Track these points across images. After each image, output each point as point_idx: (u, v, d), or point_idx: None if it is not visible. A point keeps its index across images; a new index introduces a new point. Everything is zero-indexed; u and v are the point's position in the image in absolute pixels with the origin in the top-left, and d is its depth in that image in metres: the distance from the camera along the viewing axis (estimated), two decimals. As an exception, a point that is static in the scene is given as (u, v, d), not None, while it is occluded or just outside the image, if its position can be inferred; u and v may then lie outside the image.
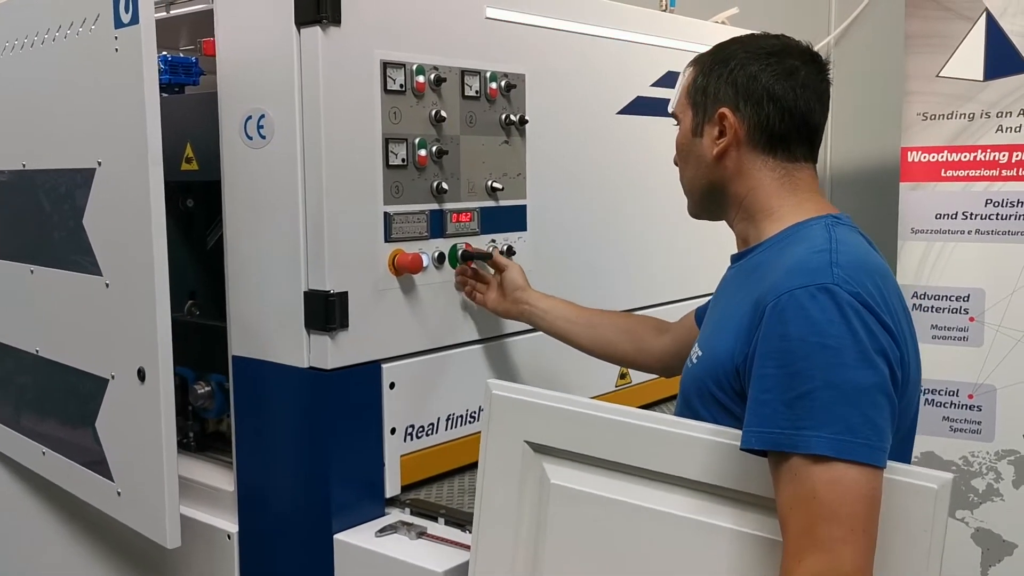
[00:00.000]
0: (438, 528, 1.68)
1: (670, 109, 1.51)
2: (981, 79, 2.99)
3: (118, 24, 1.68)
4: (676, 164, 1.50)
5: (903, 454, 1.29)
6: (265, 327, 1.75)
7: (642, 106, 2.26)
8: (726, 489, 1.23)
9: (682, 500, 1.26)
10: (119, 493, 1.87)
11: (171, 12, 1.97)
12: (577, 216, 2.12)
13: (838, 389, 1.10)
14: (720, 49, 1.41)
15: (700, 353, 1.37)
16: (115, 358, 1.82)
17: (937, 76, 3.05)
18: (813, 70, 1.35)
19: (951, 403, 3.11)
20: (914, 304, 3.14)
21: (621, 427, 1.30)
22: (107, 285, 1.82)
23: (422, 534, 1.65)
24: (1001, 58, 2.95)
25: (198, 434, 2.10)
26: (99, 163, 1.80)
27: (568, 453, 1.35)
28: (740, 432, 1.20)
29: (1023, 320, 2.97)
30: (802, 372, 1.12)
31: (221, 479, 1.96)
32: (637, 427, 1.29)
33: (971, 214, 3.03)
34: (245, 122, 1.72)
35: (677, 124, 1.48)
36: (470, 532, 1.63)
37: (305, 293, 1.67)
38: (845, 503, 1.08)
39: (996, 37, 2.96)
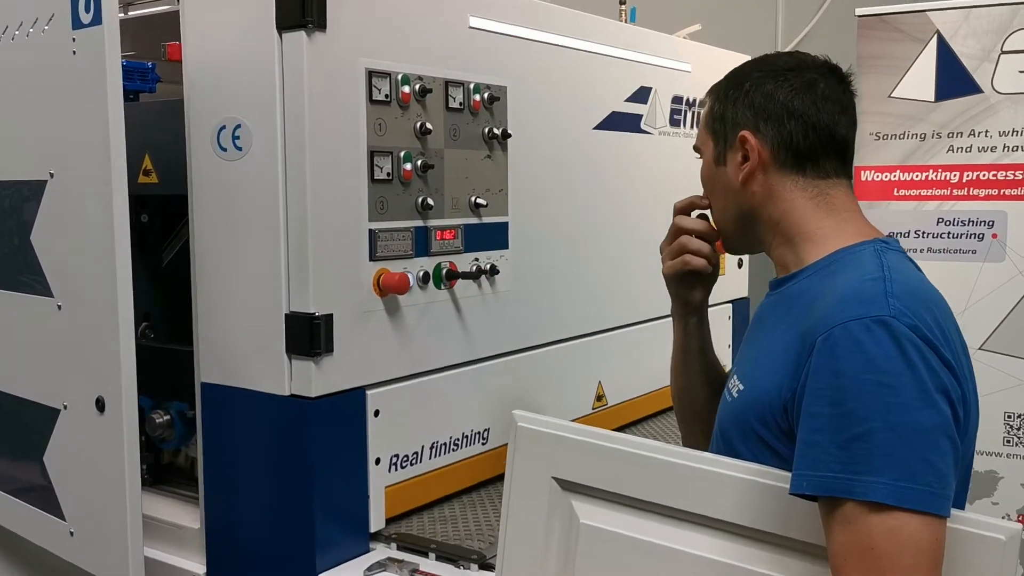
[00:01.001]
0: (430, 564, 1.58)
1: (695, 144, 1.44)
2: (933, 100, 3.03)
3: (76, 25, 1.55)
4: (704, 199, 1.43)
5: (959, 500, 1.18)
6: (239, 352, 1.63)
7: (617, 121, 2.21)
8: (768, 533, 1.14)
9: (720, 544, 1.17)
10: (71, 533, 1.72)
11: (128, 14, 1.84)
12: (558, 234, 2.05)
13: (897, 431, 1.02)
14: (734, 74, 1.35)
15: (741, 387, 1.27)
16: (68, 386, 1.68)
17: (889, 96, 3.08)
18: (833, 81, 1.29)
19: (905, 420, 3.13)
20: (868, 322, 3.16)
21: (657, 464, 1.21)
22: (59, 307, 1.67)
23: (415, 572, 1.55)
24: (952, 80, 3.00)
25: (152, 467, 1.95)
26: (51, 174, 1.66)
27: (599, 491, 1.25)
28: (784, 473, 1.12)
29: (975, 338, 3.01)
30: (857, 412, 1.03)
31: (183, 515, 1.82)
32: (674, 465, 1.20)
33: (923, 232, 3.07)
34: (218, 132, 1.61)
35: (700, 157, 1.41)
36: (463, 568, 1.55)
37: (287, 316, 1.56)
38: (906, 555, 1.00)
39: (947, 59, 3.01)
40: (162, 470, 1.99)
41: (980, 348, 3.02)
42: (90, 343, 1.61)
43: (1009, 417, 3.00)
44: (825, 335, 1.08)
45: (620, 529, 1.24)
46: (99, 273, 1.56)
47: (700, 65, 2.51)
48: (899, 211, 3.11)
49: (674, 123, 2.43)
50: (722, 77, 1.37)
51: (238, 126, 1.58)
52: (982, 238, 3.01)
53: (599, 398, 2.22)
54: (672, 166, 2.43)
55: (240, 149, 1.58)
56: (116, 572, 1.63)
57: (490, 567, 1.56)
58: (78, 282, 1.62)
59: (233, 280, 1.63)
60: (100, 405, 1.61)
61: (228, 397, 1.65)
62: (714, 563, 1.18)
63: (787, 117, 1.27)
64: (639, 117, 2.29)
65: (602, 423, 2.24)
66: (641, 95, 2.29)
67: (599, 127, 2.16)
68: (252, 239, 1.59)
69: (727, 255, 2.64)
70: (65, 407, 1.69)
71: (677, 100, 2.43)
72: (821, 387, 1.07)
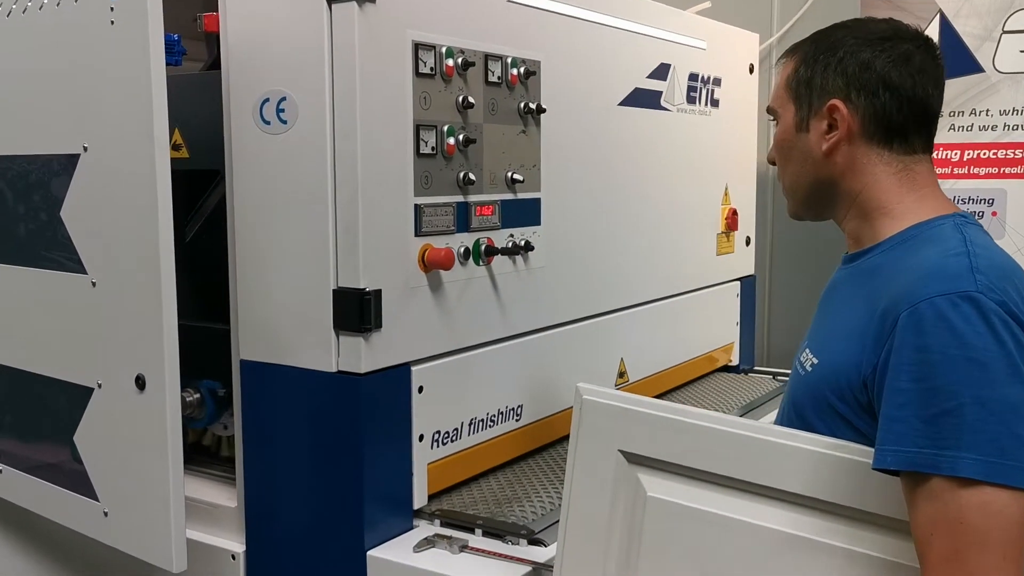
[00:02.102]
0: (478, 540, 1.58)
1: (769, 105, 1.40)
2: (934, 79, 3.07)
3: (113, -6, 1.52)
4: (771, 162, 1.40)
5: None
6: (282, 329, 1.61)
7: (640, 98, 2.21)
8: (843, 507, 1.15)
9: (793, 517, 1.17)
10: (105, 513, 1.69)
11: (155, -15, 1.80)
12: (587, 210, 2.05)
13: (987, 406, 1.02)
14: (823, 36, 1.31)
15: (815, 361, 1.26)
16: (103, 364, 1.64)
17: (892, 75, 3.11)
18: (928, 55, 1.27)
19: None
20: (869, 299, 3.20)
21: (729, 437, 1.20)
22: (93, 284, 1.64)
23: (464, 547, 1.55)
24: (954, 59, 3.04)
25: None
26: (85, 148, 1.62)
27: (666, 464, 1.25)
28: (860, 447, 1.13)
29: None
30: (944, 387, 1.03)
31: (216, 494, 1.80)
32: (747, 438, 1.20)
33: (924, 210, 3.11)
34: (261, 105, 1.58)
35: (774, 120, 1.38)
36: (511, 543, 1.56)
37: (335, 291, 1.54)
38: (994, 529, 1.00)
39: (949, 38, 3.04)
40: (187, 450, 1.96)
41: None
42: (128, 320, 1.58)
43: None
44: (910, 310, 1.08)
45: (688, 502, 1.24)
46: (139, 248, 1.53)
47: (713, 42, 2.51)
48: (900, 189, 3.14)
49: (691, 100, 2.43)
50: (809, 38, 1.34)
51: (283, 99, 1.55)
52: (982, 216, 3.06)
53: (621, 375, 2.22)
54: (689, 144, 2.44)
55: (285, 122, 1.56)
56: (156, 552, 1.60)
57: (538, 542, 1.56)
58: (115, 258, 1.58)
59: (276, 256, 1.60)
60: (140, 383, 1.58)
61: (270, 374, 1.63)
62: (787, 536, 1.19)
63: (882, 89, 1.25)
64: (659, 94, 2.29)
65: (624, 399, 2.25)
66: (661, 72, 2.29)
67: (623, 103, 2.16)
68: (297, 214, 1.57)
69: (735, 232, 2.66)
70: (99, 385, 1.66)
71: (693, 77, 2.43)
72: (906, 362, 1.07)
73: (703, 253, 2.57)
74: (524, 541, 1.56)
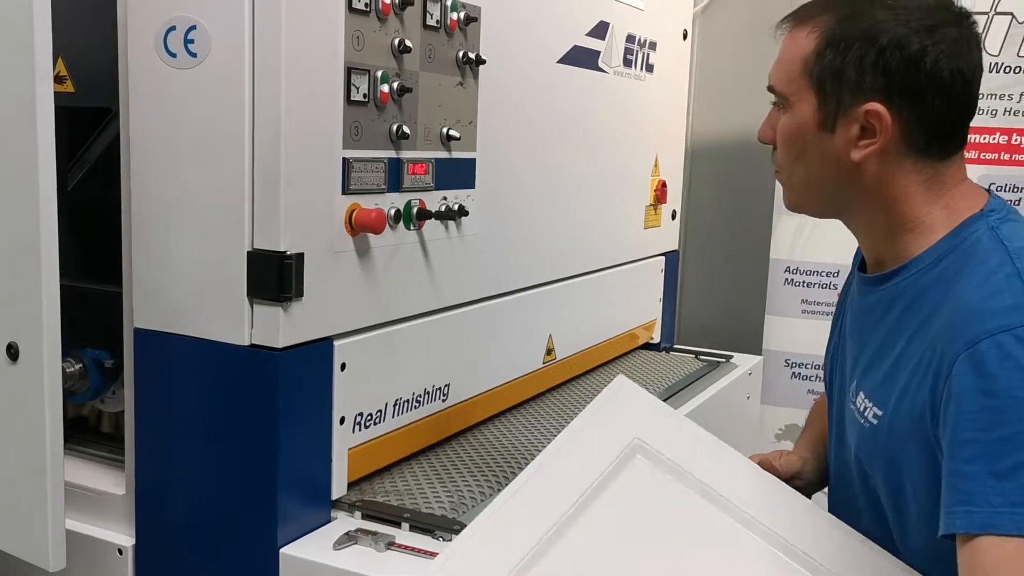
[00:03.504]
0: (405, 536, 1.42)
1: (769, 82, 1.18)
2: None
3: None
4: (764, 142, 1.21)
5: None
6: (185, 295, 1.40)
7: (578, 57, 2.06)
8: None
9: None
10: (-34, 503, 1.46)
11: None
12: (521, 175, 1.90)
13: None
14: (856, 16, 1.08)
15: (879, 413, 1.12)
16: (-34, 330, 1.40)
17: (819, 51, 3.06)
18: (974, 42, 1.10)
19: (816, 376, 3.16)
20: (786, 279, 3.17)
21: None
22: (-45, 236, 1.39)
23: (391, 544, 1.38)
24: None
25: (55, 423, 1.69)
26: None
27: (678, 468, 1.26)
28: None
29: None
30: (1018, 436, 0.92)
31: (100, 479, 1.59)
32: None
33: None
34: (165, 34, 1.36)
35: (777, 103, 1.17)
36: (442, 539, 1.40)
37: (249, 254, 1.34)
38: None
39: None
40: (65, 427, 1.73)
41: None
42: (-4, 278, 1.35)
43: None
44: (969, 352, 0.96)
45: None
46: (13, 196, 1.30)
47: (650, 3, 2.38)
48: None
49: (627, 63, 2.30)
50: (833, 4, 1.12)
51: (192, 27, 1.34)
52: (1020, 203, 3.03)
53: (549, 352, 2.09)
54: (624, 110, 2.31)
55: (194, 55, 1.34)
56: (29, 547, 1.39)
57: (473, 537, 1.41)
58: (-19, 206, 1.35)
59: (179, 211, 1.39)
60: (12, 352, 1.36)
61: (169, 346, 1.42)
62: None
63: (932, 91, 1.07)
64: (598, 54, 2.15)
65: (550, 378, 2.13)
66: (600, 30, 2.15)
67: (562, 61, 2.01)
68: (207, 162, 1.36)
69: (663, 205, 2.55)
70: (-39, 355, 1.42)
71: (630, 39, 2.30)
72: (971, 411, 0.95)
73: (632, 226, 2.46)
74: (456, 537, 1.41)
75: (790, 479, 1.38)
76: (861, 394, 1.16)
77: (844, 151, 1.11)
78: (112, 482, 1.56)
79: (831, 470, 1.36)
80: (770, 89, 1.19)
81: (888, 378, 1.12)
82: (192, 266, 1.39)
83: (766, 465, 1.36)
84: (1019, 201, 2.93)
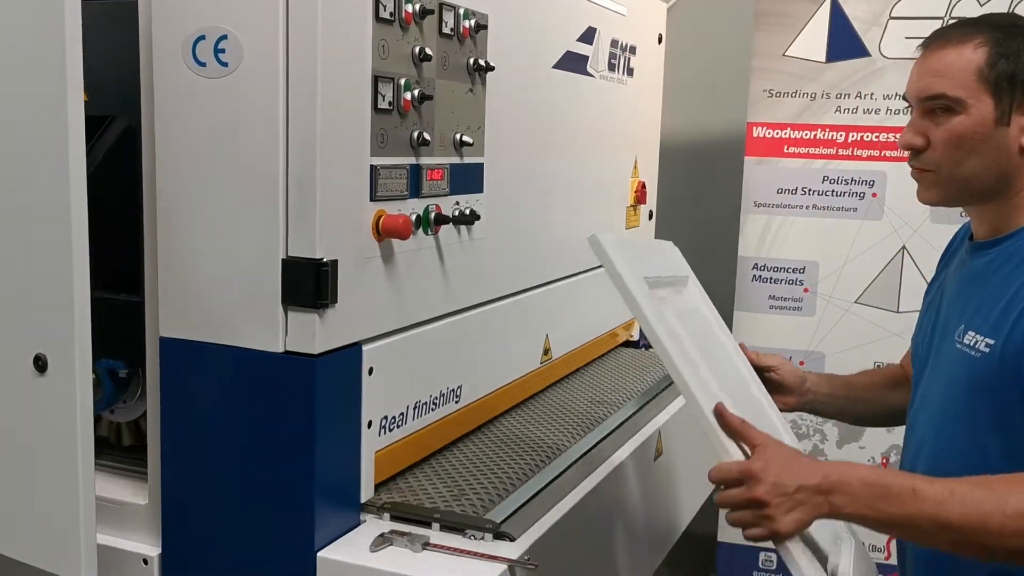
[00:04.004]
0: (437, 536, 1.45)
1: (934, 91, 1.35)
2: (823, 60, 3.13)
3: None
4: (909, 148, 1.40)
5: None
6: (215, 303, 1.41)
7: (570, 62, 2.10)
8: None
9: None
10: (-9, 517, 1.44)
11: None
12: (522, 179, 1.93)
13: None
14: (1016, 27, 1.32)
15: (990, 341, 1.27)
16: (-12, 343, 1.39)
17: (783, 55, 3.15)
18: None
19: (784, 370, 3.25)
20: (754, 276, 3.26)
21: None
22: (-23, 246, 1.38)
23: (426, 544, 1.41)
24: (843, 42, 3.10)
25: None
26: (-29, 84, 1.35)
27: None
28: None
29: (852, 292, 3.17)
30: None
31: (120, 490, 1.58)
32: None
33: (809, 190, 3.18)
34: (194, 44, 1.36)
35: (946, 110, 1.34)
36: (472, 538, 1.43)
37: (284, 262, 1.35)
38: None
39: (839, 21, 3.10)
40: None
41: (856, 301, 3.17)
42: (23, 289, 1.34)
43: (878, 365, 3.17)
44: None
45: None
46: (41, 204, 1.29)
47: (631, 9, 2.44)
48: (788, 168, 3.20)
49: (611, 68, 2.35)
50: (985, 24, 1.34)
51: (223, 37, 1.34)
52: (863, 196, 3.16)
53: (546, 351, 2.13)
54: (608, 113, 2.36)
55: (225, 65, 1.35)
56: (60, 561, 1.38)
57: (504, 535, 1.44)
58: (7, 216, 1.34)
59: (208, 220, 1.40)
60: (40, 364, 1.35)
61: (198, 354, 1.43)
62: None
63: None
64: (586, 59, 2.20)
65: (547, 377, 2.17)
66: (588, 35, 2.19)
67: (556, 66, 2.05)
68: (238, 171, 1.36)
69: (643, 206, 2.62)
70: (-17, 367, 1.40)
71: (614, 44, 2.35)
72: None
73: (615, 226, 2.51)
74: (490, 536, 1.44)
75: (764, 369, 1.70)
76: (971, 332, 1.31)
77: (1016, 139, 1.32)
78: (132, 492, 1.56)
79: (917, 432, 1.47)
80: (931, 98, 1.36)
81: (1003, 314, 1.27)
82: (223, 275, 1.40)
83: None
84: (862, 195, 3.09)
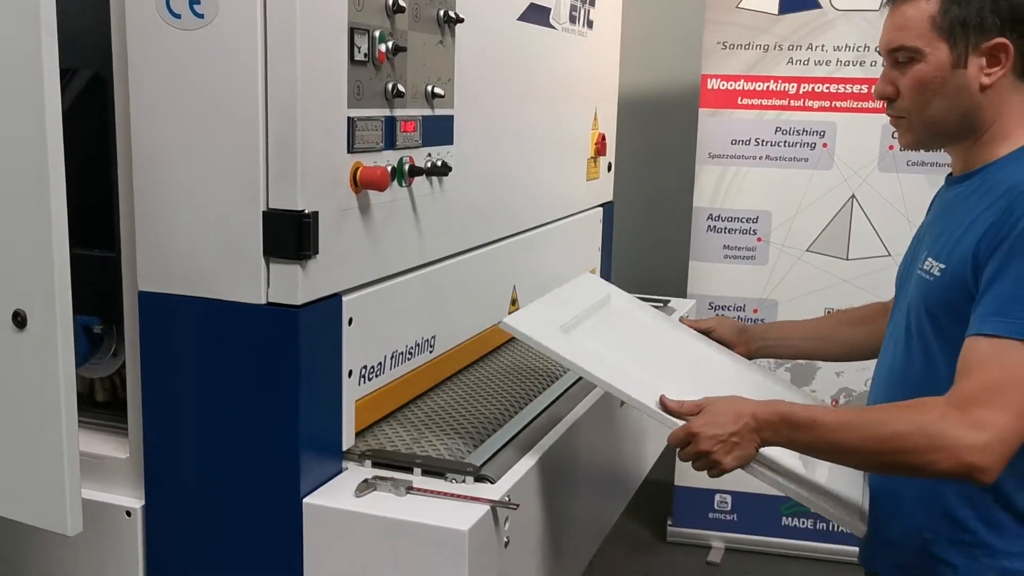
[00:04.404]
0: (420, 480, 1.49)
1: (896, 43, 1.41)
2: (776, 12, 3.17)
3: None
4: (882, 98, 1.45)
5: None
6: (194, 257, 1.41)
7: (534, 14, 2.11)
8: None
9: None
10: (-28, 474, 1.44)
11: None
12: (490, 131, 1.95)
13: None
14: None
15: (943, 266, 1.36)
16: (-35, 299, 1.38)
17: (737, 7, 3.19)
18: None
19: (738, 317, 3.35)
20: (709, 226, 3.32)
21: None
22: (-53, 202, 1.36)
23: (410, 489, 1.45)
24: (794, -6, 3.16)
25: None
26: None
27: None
28: None
29: (803, 241, 3.26)
30: None
31: (100, 444, 1.58)
32: None
33: (762, 141, 3.25)
34: (168, -5, 1.35)
35: (909, 60, 1.41)
36: (454, 481, 1.48)
37: (265, 214, 1.36)
38: None
39: (791, -26, 3.15)
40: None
41: (807, 250, 3.26)
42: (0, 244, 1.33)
43: (829, 312, 3.27)
44: (1019, 196, 1.26)
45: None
46: (16, 156, 1.28)
47: (590, -39, 2.45)
48: (741, 120, 3.25)
49: (572, 20, 2.36)
50: None
51: (198, -11, 1.33)
52: (814, 147, 3.23)
53: (513, 302, 2.17)
54: (569, 66, 2.38)
55: (201, 16, 1.34)
56: (45, 514, 1.39)
57: (484, 478, 1.49)
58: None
59: (186, 174, 1.40)
60: (19, 320, 1.34)
61: (178, 308, 1.43)
62: None
63: None
64: (549, 11, 2.21)
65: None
66: (550, -13, 2.20)
67: (521, 18, 2.06)
68: (216, 125, 1.36)
69: (603, 157, 2.65)
70: (-42, 324, 1.39)
71: (574, -5, 2.36)
72: (1020, 250, 1.24)
73: (576, 178, 2.54)
74: (471, 479, 1.48)
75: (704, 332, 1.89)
76: (930, 259, 1.40)
77: (975, 80, 1.38)
78: (112, 447, 1.57)
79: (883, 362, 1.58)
80: (895, 50, 1.43)
81: (958, 241, 1.36)
82: (203, 228, 1.40)
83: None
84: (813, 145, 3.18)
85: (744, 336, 1.87)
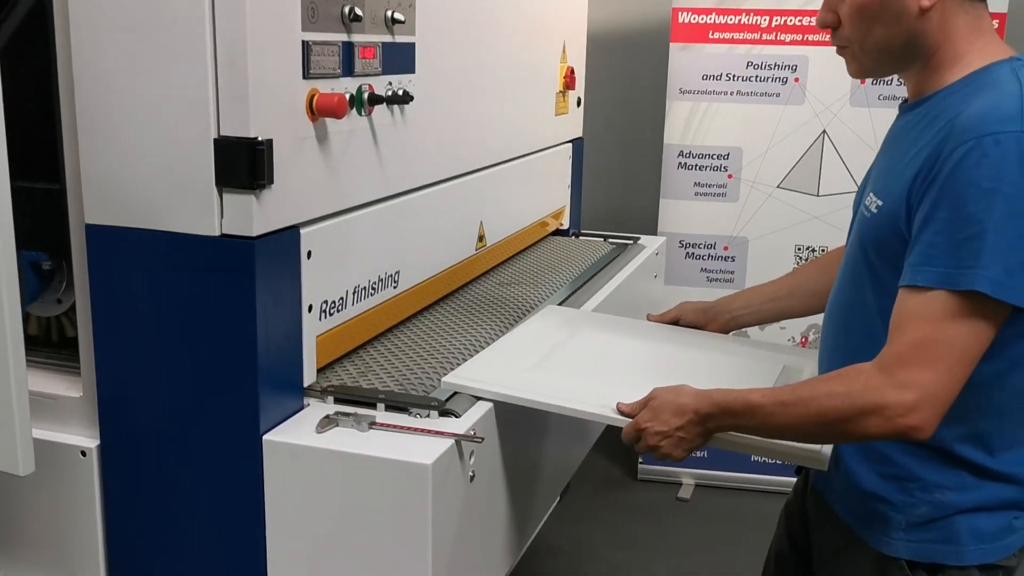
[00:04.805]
0: (383, 416, 1.46)
1: None
2: (748, -57, 3.11)
3: None
4: (825, 26, 1.38)
5: None
6: (143, 188, 1.36)
7: (498, -60, 2.04)
8: None
9: None
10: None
11: None
12: (452, 61, 1.89)
13: (1004, 234, 1.14)
14: None
15: (880, 203, 1.32)
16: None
17: (707, -62, 3.12)
18: None
19: (708, 255, 3.33)
20: (679, 163, 3.29)
21: None
22: None
23: (373, 424, 1.42)
24: (767, -76, 3.09)
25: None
26: None
27: None
28: None
29: (774, 177, 3.23)
30: (974, 216, 1.15)
31: (52, 384, 1.54)
32: None
33: (733, 76, 3.20)
34: (106, -93, 1.28)
35: None
36: (418, 416, 1.45)
37: (217, 141, 1.31)
38: (973, 337, 1.17)
39: (764, -97, 3.08)
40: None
41: (778, 186, 3.24)
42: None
43: (799, 249, 3.27)
44: (956, 147, 1.18)
45: None
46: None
47: None
48: (713, 54, 3.20)
49: (538, -53, 2.29)
50: None
51: (138, -100, 1.26)
52: (785, 82, 3.19)
53: (480, 238, 2.13)
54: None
55: (143, -69, 1.27)
56: (-3, 454, 1.35)
57: (449, 412, 1.46)
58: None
59: (133, 102, 1.33)
60: (-39, 255, 1.29)
61: (128, 241, 1.38)
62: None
63: None
64: (514, -62, 2.13)
65: (482, 264, 2.17)
66: (516, -88, 2.13)
67: (484, -56, 1.99)
68: (162, 49, 1.30)
69: (571, 92, 2.60)
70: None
71: (541, -78, 2.29)
72: (949, 195, 1.18)
73: (544, 113, 2.49)
74: (435, 413, 1.45)
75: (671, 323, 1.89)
76: (872, 194, 1.36)
77: (914, 3, 1.29)
78: (65, 386, 1.53)
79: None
80: None
81: (897, 175, 1.31)
82: (152, 158, 1.34)
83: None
84: (784, 80, 3.14)
85: (710, 314, 1.86)
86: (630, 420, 1.40)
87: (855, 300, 1.40)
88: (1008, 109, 1.19)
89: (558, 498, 2.88)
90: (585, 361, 1.69)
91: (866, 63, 1.38)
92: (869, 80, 3.02)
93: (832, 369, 1.34)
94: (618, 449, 3.62)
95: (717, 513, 3.35)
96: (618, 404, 1.44)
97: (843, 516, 1.44)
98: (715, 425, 1.35)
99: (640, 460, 3.55)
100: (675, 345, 1.78)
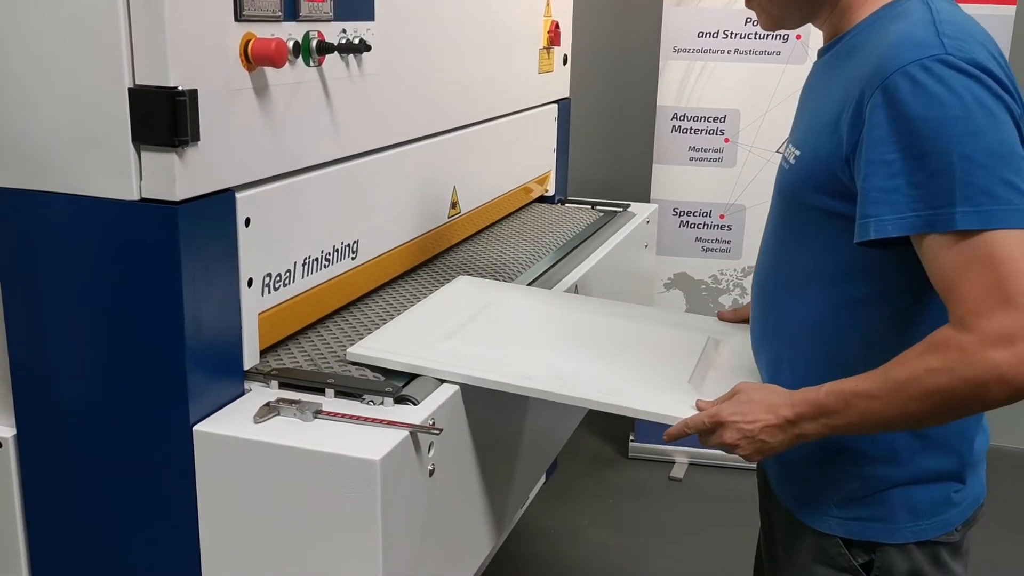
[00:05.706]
0: (331, 403, 1.30)
1: None
2: None
3: None
4: None
5: None
6: (51, 146, 1.19)
7: None
8: None
9: None
10: None
11: None
12: (420, 11, 1.71)
13: (972, 159, 1.03)
14: None
15: (798, 153, 1.23)
16: None
17: None
18: None
19: (704, 224, 3.17)
20: (673, 126, 3.12)
21: None
22: None
23: (318, 412, 1.26)
24: None
25: None
26: None
27: None
28: None
29: (773, 141, 3.06)
30: (931, 151, 1.04)
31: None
32: None
33: (731, 33, 3.01)
34: None
35: None
36: (371, 403, 1.30)
37: (131, 91, 1.14)
38: (1011, 260, 1.02)
39: None
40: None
41: (777, 151, 3.07)
42: None
43: (799, 218, 3.08)
44: (883, 83, 1.07)
45: None
46: None
47: None
48: (709, 10, 3.02)
49: None
50: None
51: None
52: (787, 39, 3.01)
53: (453, 205, 1.96)
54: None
55: None
56: None
57: (405, 400, 1.31)
58: None
59: (34, 47, 1.16)
60: None
61: (35, 206, 1.22)
62: None
63: None
64: None
65: (456, 233, 2.01)
66: None
67: None
68: (67, -18, 1.13)
69: (556, 49, 2.42)
70: None
71: None
72: (889, 134, 1.07)
73: (526, 70, 2.31)
74: (390, 400, 1.30)
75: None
76: (790, 145, 1.28)
77: None
78: (-25, 369, 1.37)
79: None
80: None
81: (814, 124, 1.21)
82: (58, 111, 1.18)
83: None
84: (786, 37, 2.97)
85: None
86: (544, 391, 1.30)
87: (779, 257, 1.31)
88: (923, 33, 1.10)
89: (543, 478, 2.74)
90: (502, 330, 1.56)
91: (774, 12, 1.30)
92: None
93: (767, 330, 1.29)
94: (609, 426, 3.47)
95: (711, 492, 3.21)
96: (699, 402, 1.28)
97: (778, 492, 1.36)
98: (810, 429, 1.16)
99: (632, 438, 3.41)
100: (597, 315, 1.66)
